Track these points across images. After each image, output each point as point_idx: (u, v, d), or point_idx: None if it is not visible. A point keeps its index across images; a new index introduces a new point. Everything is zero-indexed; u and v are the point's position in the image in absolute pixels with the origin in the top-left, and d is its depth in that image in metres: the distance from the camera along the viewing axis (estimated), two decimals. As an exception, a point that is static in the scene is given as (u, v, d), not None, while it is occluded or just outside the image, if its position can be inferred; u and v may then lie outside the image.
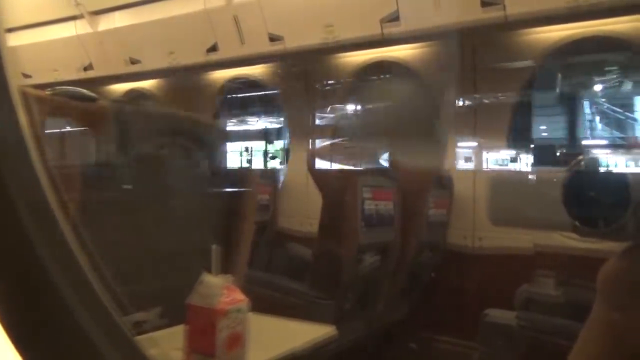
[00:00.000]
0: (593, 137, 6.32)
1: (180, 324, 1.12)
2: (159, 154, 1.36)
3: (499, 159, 3.98)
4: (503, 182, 3.79)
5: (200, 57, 4.83)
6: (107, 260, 0.62)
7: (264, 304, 1.40)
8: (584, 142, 6.40)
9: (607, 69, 4.79)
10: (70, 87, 1.20)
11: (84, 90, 1.20)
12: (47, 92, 1.18)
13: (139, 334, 1.18)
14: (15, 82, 0.58)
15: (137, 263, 1.27)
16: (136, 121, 1.28)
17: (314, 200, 3.24)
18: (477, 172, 3.85)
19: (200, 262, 1.09)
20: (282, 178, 4.98)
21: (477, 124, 4.01)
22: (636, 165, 3.99)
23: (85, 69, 5.85)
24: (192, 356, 1.10)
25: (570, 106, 6.03)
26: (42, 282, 0.55)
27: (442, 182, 3.70)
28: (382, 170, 4.11)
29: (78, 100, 1.18)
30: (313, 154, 4.57)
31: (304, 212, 4.33)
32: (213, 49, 4.74)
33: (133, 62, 5.41)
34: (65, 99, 1.15)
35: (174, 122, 1.51)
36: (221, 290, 1.10)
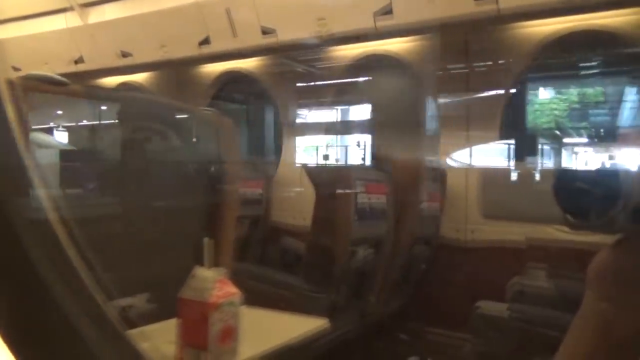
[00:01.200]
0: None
1: (163, 309, 1.12)
2: (133, 138, 1.35)
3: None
4: (495, 176, 3.81)
5: (192, 50, 4.80)
6: (93, 248, 0.62)
7: (257, 298, 1.40)
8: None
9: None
10: (41, 72, 1.19)
11: (55, 75, 1.19)
12: (18, 77, 1.17)
13: (126, 319, 1.18)
14: (1, 75, 0.57)
15: (118, 251, 1.27)
16: (108, 105, 1.28)
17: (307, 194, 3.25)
18: (469, 165, 3.86)
19: (183, 250, 1.09)
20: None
21: (469, 118, 4.03)
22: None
23: (76, 62, 5.80)
24: (185, 350, 1.10)
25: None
26: (32, 280, 0.55)
27: (435, 175, 3.71)
28: (375, 164, 4.11)
29: (50, 84, 1.17)
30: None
31: (297, 206, 4.33)
32: (205, 41, 4.71)
33: (124, 55, 5.37)
34: (37, 83, 1.14)
35: (149, 106, 1.50)
36: (213, 284, 1.09)
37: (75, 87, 1.27)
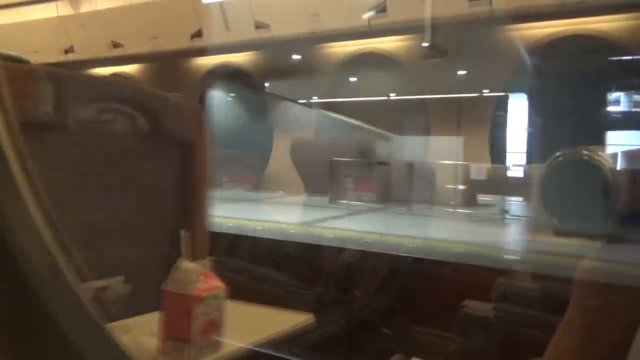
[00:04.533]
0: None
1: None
2: (98, 119, 1.34)
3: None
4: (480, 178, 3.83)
5: (184, 43, 4.77)
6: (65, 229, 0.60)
7: (243, 292, 1.39)
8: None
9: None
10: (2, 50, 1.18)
11: (14, 53, 1.18)
12: None
13: (101, 301, 1.17)
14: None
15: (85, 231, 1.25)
16: (71, 84, 1.26)
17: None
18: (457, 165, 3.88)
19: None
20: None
21: (461, 119, 4.04)
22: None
23: (67, 51, 5.74)
24: (167, 343, 1.08)
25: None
26: (10, 271, 0.53)
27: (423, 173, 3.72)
28: (364, 161, 4.11)
29: (8, 61, 1.15)
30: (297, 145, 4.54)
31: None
32: (198, 34, 4.68)
33: (115, 45, 5.32)
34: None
35: (113, 88, 1.48)
36: (197, 277, 1.08)
37: (35, 65, 1.26)
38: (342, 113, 5.28)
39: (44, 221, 0.56)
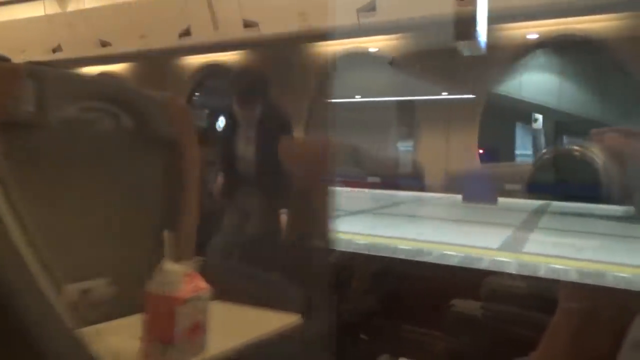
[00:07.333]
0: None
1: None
2: (82, 118, 1.31)
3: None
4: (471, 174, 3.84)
5: (172, 42, 4.75)
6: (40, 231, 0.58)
7: (229, 293, 1.38)
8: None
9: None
10: None
11: None
12: None
13: (86, 302, 1.15)
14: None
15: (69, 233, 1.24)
16: (54, 83, 1.24)
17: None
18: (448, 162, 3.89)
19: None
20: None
21: (450, 117, 4.05)
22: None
23: (54, 50, 5.69)
24: (150, 345, 1.07)
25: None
26: None
27: (415, 172, 3.73)
28: (355, 161, 4.12)
29: None
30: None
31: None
32: (186, 33, 4.66)
33: (103, 44, 5.28)
34: None
35: (96, 86, 1.46)
36: (182, 278, 1.07)
37: (16, 63, 1.24)
38: None
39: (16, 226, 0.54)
